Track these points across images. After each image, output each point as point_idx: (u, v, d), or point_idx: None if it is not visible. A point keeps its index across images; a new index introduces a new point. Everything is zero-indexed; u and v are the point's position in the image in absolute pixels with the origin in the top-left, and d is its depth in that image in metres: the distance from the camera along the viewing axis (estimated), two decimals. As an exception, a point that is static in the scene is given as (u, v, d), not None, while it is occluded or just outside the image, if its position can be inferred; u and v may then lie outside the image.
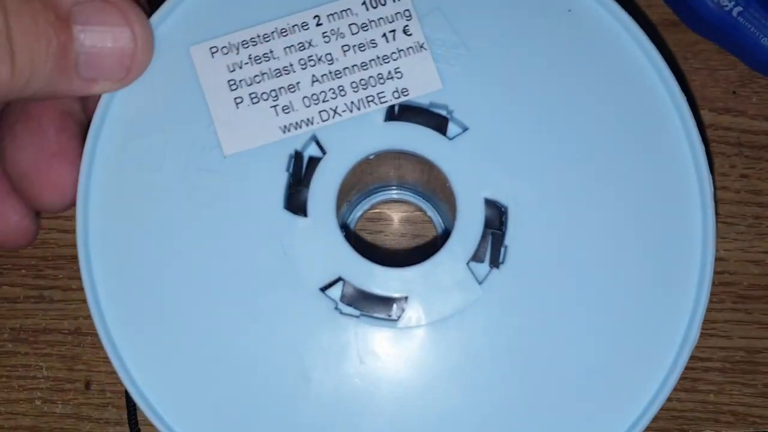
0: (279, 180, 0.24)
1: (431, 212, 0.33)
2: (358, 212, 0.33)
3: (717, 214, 0.30)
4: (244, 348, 0.24)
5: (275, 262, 0.24)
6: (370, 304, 0.24)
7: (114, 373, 0.24)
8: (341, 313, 0.24)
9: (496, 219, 0.25)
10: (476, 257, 0.24)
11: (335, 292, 0.24)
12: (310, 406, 0.24)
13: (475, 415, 0.24)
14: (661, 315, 0.24)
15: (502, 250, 0.24)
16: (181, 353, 0.24)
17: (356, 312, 0.24)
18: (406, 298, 0.24)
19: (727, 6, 0.29)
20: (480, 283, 0.24)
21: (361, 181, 0.30)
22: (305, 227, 0.24)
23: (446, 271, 0.24)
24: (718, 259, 0.31)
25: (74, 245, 0.24)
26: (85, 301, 0.24)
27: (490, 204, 0.24)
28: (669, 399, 0.24)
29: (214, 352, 0.24)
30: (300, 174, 0.24)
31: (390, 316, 0.24)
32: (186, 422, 0.24)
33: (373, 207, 0.33)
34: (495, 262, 0.24)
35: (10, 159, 0.25)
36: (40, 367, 0.34)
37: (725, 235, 0.32)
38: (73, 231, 0.25)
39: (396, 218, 0.33)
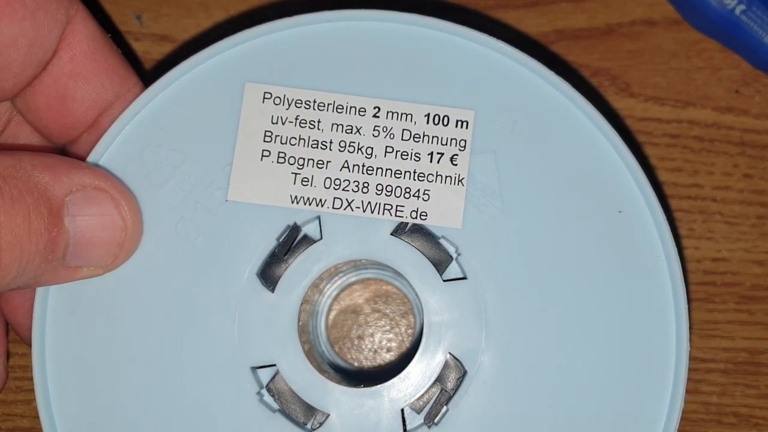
0: (265, 245, 0.24)
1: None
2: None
3: (720, 214, 0.30)
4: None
5: (224, 319, 0.23)
6: (291, 405, 0.23)
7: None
8: (260, 399, 0.23)
9: (452, 377, 0.23)
10: (415, 406, 0.23)
11: (266, 375, 0.23)
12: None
13: None
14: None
15: (443, 410, 0.23)
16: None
17: (275, 406, 0.23)
18: (328, 415, 0.23)
19: (729, 4, 0.29)
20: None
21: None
22: (267, 303, 0.23)
23: (376, 407, 0.23)
24: (720, 260, 0.30)
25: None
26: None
27: (452, 361, 0.23)
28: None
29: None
30: (288, 247, 0.24)
31: (305, 425, 0.23)
32: None
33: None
34: (430, 420, 0.23)
35: None
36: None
37: (728, 235, 0.31)
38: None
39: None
